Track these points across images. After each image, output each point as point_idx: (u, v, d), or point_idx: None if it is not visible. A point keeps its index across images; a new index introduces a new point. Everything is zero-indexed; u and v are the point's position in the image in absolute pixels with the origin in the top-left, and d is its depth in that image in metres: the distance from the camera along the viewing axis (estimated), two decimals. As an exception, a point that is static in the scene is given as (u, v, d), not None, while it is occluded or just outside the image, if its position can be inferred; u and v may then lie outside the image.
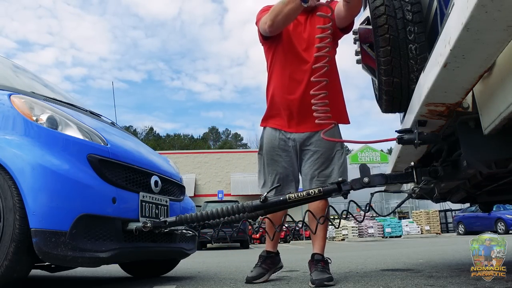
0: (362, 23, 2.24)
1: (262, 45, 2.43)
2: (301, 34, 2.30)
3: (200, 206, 11.98)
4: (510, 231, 13.22)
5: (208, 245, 12.82)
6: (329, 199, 2.16)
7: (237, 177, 23.00)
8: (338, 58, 2.42)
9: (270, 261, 2.33)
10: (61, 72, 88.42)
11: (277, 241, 2.41)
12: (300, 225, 2.06)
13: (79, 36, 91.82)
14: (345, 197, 1.97)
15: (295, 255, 5.92)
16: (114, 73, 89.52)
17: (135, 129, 58.63)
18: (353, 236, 17.14)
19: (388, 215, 2.40)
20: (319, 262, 2.15)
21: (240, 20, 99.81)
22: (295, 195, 2.00)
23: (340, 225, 17.93)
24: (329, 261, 2.19)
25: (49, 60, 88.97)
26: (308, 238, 20.71)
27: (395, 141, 1.78)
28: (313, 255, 2.21)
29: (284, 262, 2.52)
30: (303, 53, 2.27)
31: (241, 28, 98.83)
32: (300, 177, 2.39)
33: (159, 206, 2.34)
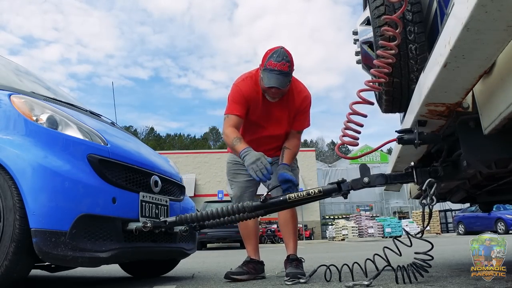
0: (362, 23, 2.25)
1: None
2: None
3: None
4: (510, 231, 13.21)
5: (208, 245, 12.82)
6: (330, 199, 2.18)
7: (237, 177, 22.86)
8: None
9: (252, 266, 2.46)
10: (66, 69, 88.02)
11: (257, 250, 2.58)
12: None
13: (85, 32, 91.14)
14: (345, 197, 1.99)
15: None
16: (120, 70, 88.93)
17: (136, 129, 58.67)
18: (353, 236, 17.14)
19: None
20: (293, 261, 2.42)
21: (249, 16, 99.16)
22: (295, 195, 2.01)
23: (340, 225, 18.05)
24: (302, 260, 2.47)
25: (54, 57, 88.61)
26: (308, 238, 20.78)
27: (395, 141, 1.78)
28: (288, 256, 2.46)
29: (283, 262, 2.52)
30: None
31: (250, 24, 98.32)
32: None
33: (159, 206, 2.34)
